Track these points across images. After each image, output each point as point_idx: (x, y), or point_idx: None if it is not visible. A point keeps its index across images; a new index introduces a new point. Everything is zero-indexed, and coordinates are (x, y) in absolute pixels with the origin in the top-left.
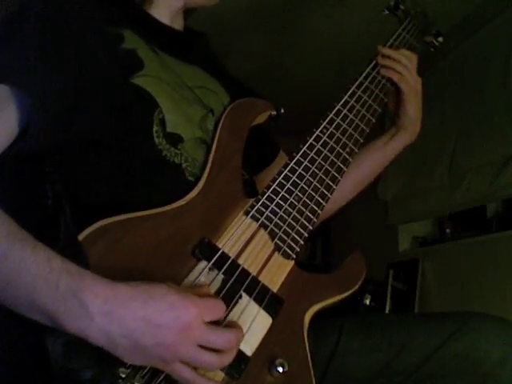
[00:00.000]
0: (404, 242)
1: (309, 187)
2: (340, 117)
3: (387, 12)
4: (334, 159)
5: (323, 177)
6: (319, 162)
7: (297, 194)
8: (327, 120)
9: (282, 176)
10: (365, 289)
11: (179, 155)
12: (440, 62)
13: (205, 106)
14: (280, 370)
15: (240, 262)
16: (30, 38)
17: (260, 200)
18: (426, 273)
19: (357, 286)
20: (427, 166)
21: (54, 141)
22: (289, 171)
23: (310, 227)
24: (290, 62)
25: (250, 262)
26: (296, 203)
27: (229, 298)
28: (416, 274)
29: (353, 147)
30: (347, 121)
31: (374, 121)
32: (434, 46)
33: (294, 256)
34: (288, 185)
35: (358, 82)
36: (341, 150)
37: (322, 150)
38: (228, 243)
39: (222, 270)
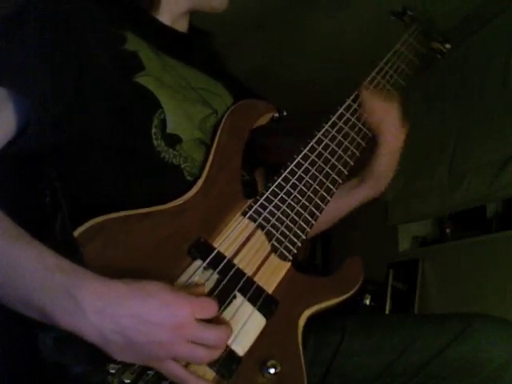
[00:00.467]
0: (404, 242)
1: (308, 189)
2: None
3: (394, 17)
4: (336, 162)
5: (323, 179)
6: (319, 165)
7: (296, 196)
8: (329, 123)
9: (281, 177)
10: (365, 289)
11: (178, 156)
12: (440, 62)
13: (209, 106)
14: (272, 371)
15: (235, 262)
16: (30, 38)
17: (258, 201)
18: (426, 273)
19: (354, 290)
20: (427, 166)
21: (53, 141)
22: (288, 173)
23: (308, 229)
24: (290, 62)
25: (245, 263)
26: (295, 205)
27: (222, 297)
28: (416, 274)
29: (352, 153)
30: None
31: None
32: (441, 53)
33: (291, 258)
34: (287, 186)
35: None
36: (342, 153)
37: (323, 152)
38: (224, 243)
39: (217, 270)
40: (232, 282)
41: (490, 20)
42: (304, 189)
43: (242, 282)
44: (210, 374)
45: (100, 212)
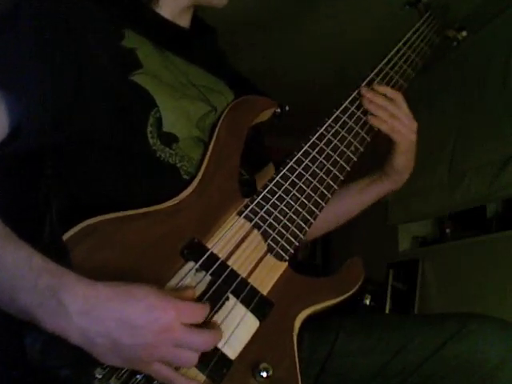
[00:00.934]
0: (404, 242)
1: (308, 187)
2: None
3: (408, 7)
4: (337, 158)
5: (324, 176)
6: (320, 161)
7: (294, 194)
8: (332, 118)
9: (280, 175)
10: (365, 289)
11: (174, 155)
12: (440, 62)
13: (209, 104)
14: (264, 374)
15: (230, 263)
16: (27, 37)
17: (255, 200)
18: (426, 273)
19: (353, 290)
20: (427, 165)
21: (53, 140)
22: (288, 170)
23: (307, 228)
24: (290, 62)
25: (240, 264)
26: (293, 203)
27: (214, 299)
28: (416, 274)
29: (356, 149)
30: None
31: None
32: (457, 40)
33: (288, 258)
34: (286, 184)
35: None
36: (344, 149)
37: (325, 148)
38: (219, 244)
39: (210, 272)
40: (225, 284)
41: (490, 20)
42: (303, 186)
43: (235, 284)
44: (201, 377)
45: (100, 212)
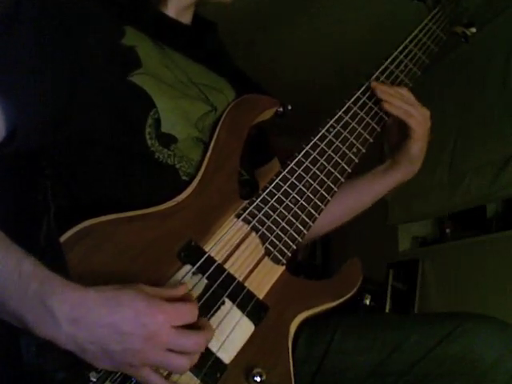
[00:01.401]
0: (404, 242)
1: (307, 189)
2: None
3: (416, 1)
4: (339, 160)
5: (324, 178)
6: (321, 163)
7: (294, 197)
8: (334, 118)
9: (279, 177)
10: (365, 289)
11: (172, 156)
12: (440, 62)
13: (209, 103)
14: (257, 379)
15: (226, 266)
16: (26, 37)
17: (254, 202)
18: (426, 273)
19: (351, 294)
20: (427, 165)
21: (47, 141)
22: (288, 172)
23: (305, 231)
24: (290, 62)
25: (236, 267)
26: (292, 206)
27: (210, 303)
28: (416, 274)
29: (358, 150)
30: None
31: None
32: (466, 37)
33: (285, 261)
34: (285, 186)
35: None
36: (345, 151)
37: (327, 149)
38: (216, 246)
39: (206, 275)
40: (221, 288)
41: (490, 20)
42: (303, 189)
43: (231, 288)
44: (195, 381)
45: (99, 212)
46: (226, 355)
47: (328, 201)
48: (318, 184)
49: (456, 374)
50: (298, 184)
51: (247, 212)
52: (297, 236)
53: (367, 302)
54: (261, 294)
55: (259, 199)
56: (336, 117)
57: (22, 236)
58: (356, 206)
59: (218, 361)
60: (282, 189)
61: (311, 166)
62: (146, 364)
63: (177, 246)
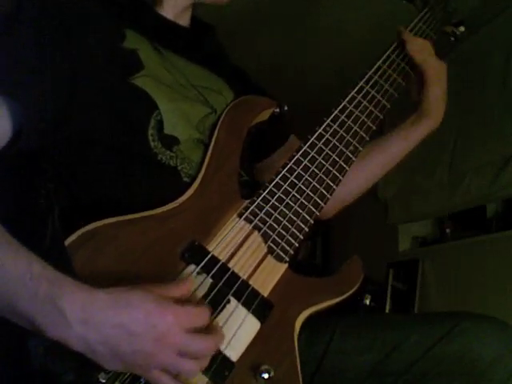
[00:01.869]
0: (404, 242)
1: (307, 187)
2: (345, 113)
3: (405, 1)
4: (336, 158)
5: (323, 177)
6: (320, 162)
7: (294, 195)
8: (333, 115)
9: (279, 176)
10: (365, 289)
11: (174, 157)
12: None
13: (209, 105)
14: (265, 376)
15: (230, 265)
16: (27, 38)
17: (255, 201)
18: (426, 273)
19: (353, 290)
20: (427, 165)
21: (48, 141)
22: (287, 171)
23: (306, 229)
24: (291, 62)
25: (240, 266)
26: (293, 204)
27: (216, 302)
28: (416, 274)
29: (357, 145)
30: (352, 117)
31: (381, 117)
32: (455, 36)
33: (288, 259)
34: (285, 185)
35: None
36: (344, 149)
37: (324, 148)
38: (219, 246)
39: (211, 274)
40: (226, 287)
41: (490, 20)
42: (303, 187)
43: (236, 286)
44: (203, 380)
45: (100, 212)
46: (234, 353)
47: (328, 199)
48: (317, 182)
49: (455, 374)
50: (297, 182)
51: (249, 211)
52: (298, 233)
53: (367, 302)
54: (265, 292)
55: (260, 198)
56: (332, 116)
57: (26, 237)
58: (388, 163)
59: (226, 359)
60: (283, 187)
61: (310, 165)
62: (154, 366)
63: (180, 246)
